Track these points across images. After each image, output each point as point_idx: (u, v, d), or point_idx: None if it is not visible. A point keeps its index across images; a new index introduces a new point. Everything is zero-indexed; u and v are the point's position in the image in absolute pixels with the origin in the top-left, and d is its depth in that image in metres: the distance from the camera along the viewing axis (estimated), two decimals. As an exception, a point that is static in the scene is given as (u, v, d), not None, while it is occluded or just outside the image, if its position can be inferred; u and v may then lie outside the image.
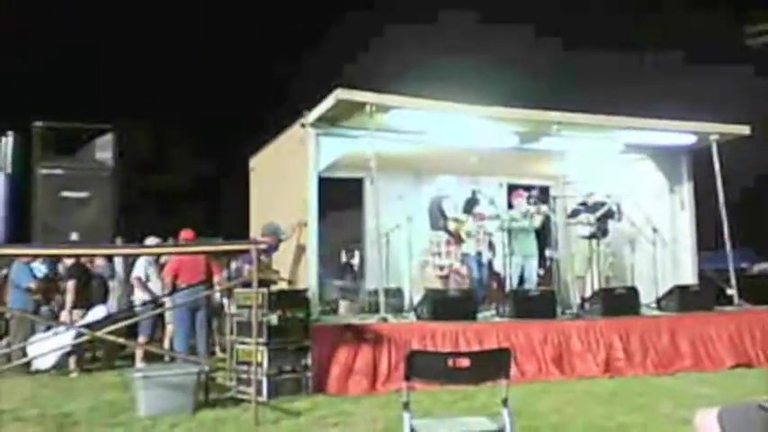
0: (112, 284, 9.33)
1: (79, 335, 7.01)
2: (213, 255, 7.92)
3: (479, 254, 9.60)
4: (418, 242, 9.13)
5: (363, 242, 10.42)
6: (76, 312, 8.39)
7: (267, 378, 6.31)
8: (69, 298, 8.48)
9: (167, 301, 8.10)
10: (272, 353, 6.39)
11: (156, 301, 8.22)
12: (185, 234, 8.31)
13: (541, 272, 10.12)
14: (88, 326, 7.32)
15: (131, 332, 8.27)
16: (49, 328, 8.01)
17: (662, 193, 10.20)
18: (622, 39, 20.48)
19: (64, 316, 8.48)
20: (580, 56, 20.74)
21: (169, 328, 8.53)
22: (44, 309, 8.55)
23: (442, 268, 8.78)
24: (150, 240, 8.65)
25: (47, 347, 7.34)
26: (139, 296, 8.42)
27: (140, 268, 8.46)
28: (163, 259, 8.70)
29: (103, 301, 8.87)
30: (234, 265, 8.35)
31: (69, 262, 8.78)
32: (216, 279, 8.04)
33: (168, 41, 20.81)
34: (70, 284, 8.53)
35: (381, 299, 7.62)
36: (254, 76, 21.64)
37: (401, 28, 21.27)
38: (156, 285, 8.46)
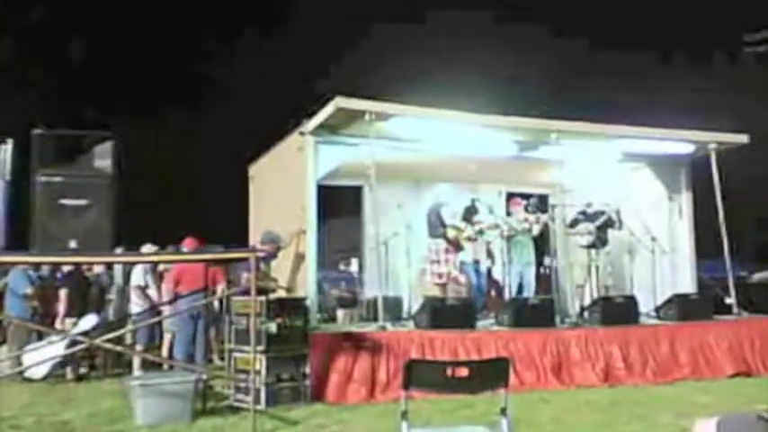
0: (111, 292, 9.31)
1: (73, 343, 6.99)
2: (216, 263, 7.88)
3: (477, 262, 9.60)
4: (417, 250, 9.13)
5: (362, 250, 10.42)
6: (69, 321, 8.35)
7: (265, 386, 6.29)
8: (62, 306, 8.45)
9: (167, 309, 8.07)
10: (271, 361, 6.37)
11: (154, 309, 8.19)
12: (189, 242, 8.29)
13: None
14: (85, 334, 7.30)
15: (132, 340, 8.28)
16: (42, 336, 7.97)
17: (660, 201, 10.19)
18: (623, 44, 20.59)
19: (58, 324, 8.44)
20: (580, 62, 20.84)
21: (167, 336, 8.49)
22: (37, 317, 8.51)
23: (440, 276, 8.76)
24: (147, 248, 8.62)
25: (41, 356, 7.30)
26: (137, 304, 8.39)
27: (139, 277, 8.42)
28: (161, 267, 8.68)
29: (99, 309, 8.83)
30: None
31: (66, 269, 8.75)
32: (219, 287, 7.97)
33: (169, 46, 20.88)
34: (63, 293, 8.49)
35: (380, 307, 7.61)
36: (254, 81, 21.72)
37: (402, 36, 21.37)
38: (153, 293, 8.43)
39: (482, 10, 21.16)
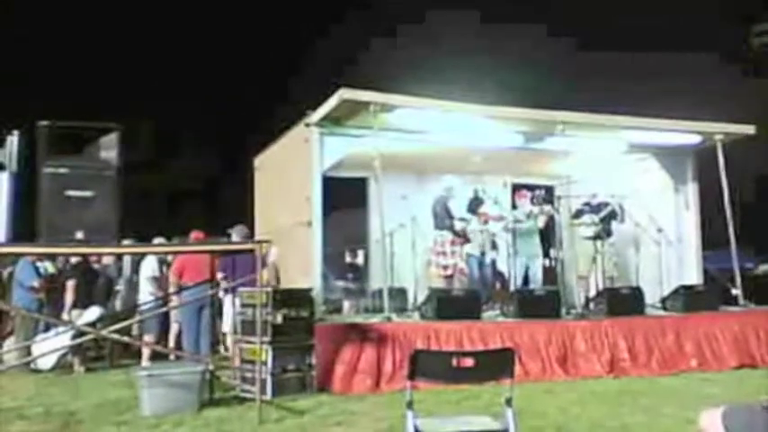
0: (119, 284, 9.35)
1: (79, 334, 7.03)
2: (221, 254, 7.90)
3: (483, 254, 9.59)
4: (422, 242, 9.13)
5: (368, 242, 10.43)
6: (74, 312, 8.41)
7: (271, 377, 6.32)
8: (69, 297, 8.50)
9: (174, 300, 8.10)
10: (277, 352, 6.40)
11: (164, 300, 8.23)
12: (196, 235, 8.34)
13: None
14: (92, 325, 7.34)
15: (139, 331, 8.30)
16: (49, 327, 8.02)
17: (666, 192, 10.17)
18: (626, 39, 20.46)
19: (65, 315, 8.49)
20: (586, 56, 20.73)
21: (174, 327, 8.53)
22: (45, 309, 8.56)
23: (446, 268, 8.77)
24: (157, 241, 8.68)
25: (49, 347, 7.35)
26: (146, 294, 8.42)
27: (153, 267, 8.47)
28: (170, 259, 8.72)
29: (105, 301, 8.87)
30: None
31: (74, 260, 8.81)
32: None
33: (173, 40, 20.88)
34: (70, 284, 8.55)
35: (386, 298, 7.62)
36: (257, 75, 21.70)
37: (406, 27, 21.30)
38: (164, 285, 8.47)
39: (489, 5, 21.10)
